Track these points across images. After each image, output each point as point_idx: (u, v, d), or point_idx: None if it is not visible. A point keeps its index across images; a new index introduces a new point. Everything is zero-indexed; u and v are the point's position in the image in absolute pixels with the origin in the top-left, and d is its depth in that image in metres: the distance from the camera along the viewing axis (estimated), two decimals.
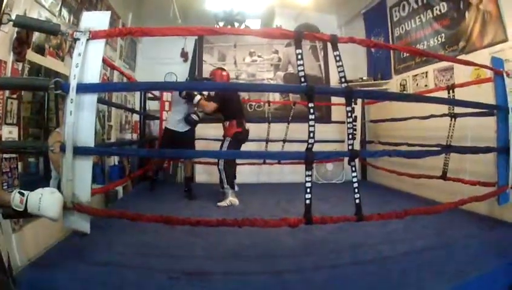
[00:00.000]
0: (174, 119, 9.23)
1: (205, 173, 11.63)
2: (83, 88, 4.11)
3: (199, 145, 10.79)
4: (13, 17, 4.03)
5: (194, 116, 9.07)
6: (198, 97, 8.76)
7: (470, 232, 6.17)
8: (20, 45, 5.21)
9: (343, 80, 4.77)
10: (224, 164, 8.74)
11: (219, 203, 8.55)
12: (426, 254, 5.24)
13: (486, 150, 6.26)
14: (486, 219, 6.84)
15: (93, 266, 4.93)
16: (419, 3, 9.63)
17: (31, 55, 5.67)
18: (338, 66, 4.75)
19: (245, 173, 9.75)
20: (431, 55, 7.99)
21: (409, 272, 4.63)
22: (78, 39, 4.18)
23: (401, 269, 4.72)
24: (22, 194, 3.15)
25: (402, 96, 8.24)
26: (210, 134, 10.50)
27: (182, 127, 9.19)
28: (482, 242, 5.74)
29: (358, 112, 11.22)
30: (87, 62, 4.18)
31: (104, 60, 4.66)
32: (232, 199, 8.64)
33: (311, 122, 4.51)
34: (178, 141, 8.95)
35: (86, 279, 4.53)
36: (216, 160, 8.93)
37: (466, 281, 4.38)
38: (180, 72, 11.03)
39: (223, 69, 9.61)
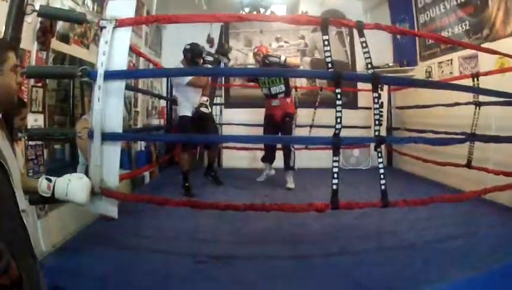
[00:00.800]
0: (187, 105, 8.47)
1: (232, 158, 11.65)
2: (110, 75, 4.14)
3: (225, 130, 11.03)
4: (37, 8, 4.04)
5: (204, 109, 8.47)
6: (283, 58, 8.73)
7: (492, 222, 6.16)
8: (44, 35, 5.24)
9: (369, 66, 4.75)
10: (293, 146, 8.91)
11: (289, 186, 8.81)
12: (449, 242, 5.24)
13: (510, 139, 6.22)
14: (508, 209, 6.80)
15: (120, 250, 5.03)
16: None
17: (56, 44, 5.71)
18: (364, 52, 4.73)
19: None
20: (455, 42, 7.92)
21: (432, 260, 4.63)
22: (105, 27, 4.21)
23: (425, 256, 4.74)
24: (49, 180, 3.13)
25: (427, 84, 8.19)
26: (238, 119, 10.45)
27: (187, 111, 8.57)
28: (504, 232, 5.72)
29: (384, 98, 10.96)
30: (114, 50, 4.21)
31: (130, 47, 4.65)
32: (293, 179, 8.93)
33: (339, 108, 4.50)
34: (200, 124, 8.37)
35: (112, 263, 4.61)
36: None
37: (488, 269, 4.37)
38: None
39: (265, 46, 9.85)
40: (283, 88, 8.89)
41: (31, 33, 4.95)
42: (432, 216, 6.17)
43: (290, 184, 8.81)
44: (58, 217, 5.18)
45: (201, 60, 8.17)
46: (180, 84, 8.32)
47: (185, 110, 8.44)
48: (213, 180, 9.17)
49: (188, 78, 8.07)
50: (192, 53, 8.17)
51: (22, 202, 2.43)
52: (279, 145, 9.24)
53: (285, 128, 8.83)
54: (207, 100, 8.51)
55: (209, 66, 8.13)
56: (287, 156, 8.85)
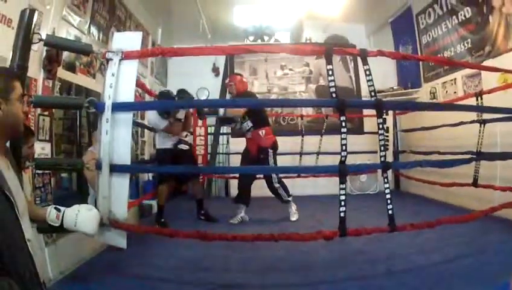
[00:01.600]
0: (166, 140, 8.12)
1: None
2: (118, 107, 4.16)
3: (232, 160, 11.32)
4: (43, 37, 4.06)
5: (184, 146, 8.17)
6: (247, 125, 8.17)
7: (501, 239, 6.18)
8: (50, 63, 5.28)
9: (373, 93, 4.78)
10: (278, 179, 8.20)
11: (292, 218, 8.29)
12: (459, 262, 5.24)
13: None
14: None
15: (128, 279, 5.04)
16: (444, 10, 9.60)
17: (62, 73, 5.75)
18: (368, 80, 4.76)
19: None
20: (457, 63, 8.00)
21: (442, 281, 4.64)
22: (111, 59, 4.23)
23: (435, 278, 4.74)
24: (58, 210, 3.14)
25: (430, 106, 8.19)
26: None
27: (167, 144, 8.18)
28: None
29: (390, 122, 11.19)
30: (121, 82, 4.23)
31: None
32: (296, 207, 8.44)
33: (344, 136, 4.52)
34: (179, 158, 8.03)
35: None
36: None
37: (499, 286, 4.37)
38: (212, 86, 10.93)
39: (240, 74, 9.08)
40: (250, 124, 8.30)
41: (37, 61, 4.99)
42: (440, 237, 6.20)
43: (292, 216, 8.33)
44: (67, 245, 5.19)
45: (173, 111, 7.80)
46: (157, 127, 8.05)
47: (164, 143, 8.13)
48: (206, 220, 8.42)
49: (163, 125, 7.82)
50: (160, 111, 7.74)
51: (28, 231, 2.45)
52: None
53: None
54: (186, 135, 8.29)
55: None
56: (276, 194, 8.28)
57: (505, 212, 6.52)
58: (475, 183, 7.68)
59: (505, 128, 7.16)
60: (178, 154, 8.06)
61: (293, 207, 8.41)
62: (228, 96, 9.41)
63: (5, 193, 2.23)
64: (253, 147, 8.31)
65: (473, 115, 7.68)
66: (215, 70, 13.13)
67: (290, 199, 8.33)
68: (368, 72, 4.76)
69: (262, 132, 8.25)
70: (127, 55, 4.26)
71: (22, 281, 2.18)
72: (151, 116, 8.10)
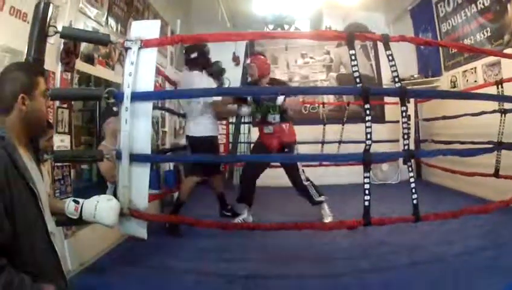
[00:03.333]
0: (212, 125, 7.17)
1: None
2: (137, 96, 4.13)
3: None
4: (59, 29, 4.02)
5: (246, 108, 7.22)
6: (281, 98, 6.94)
7: None
8: (68, 56, 5.24)
9: (396, 79, 4.68)
10: (307, 178, 7.25)
11: (325, 220, 6.97)
12: (481, 253, 5.20)
13: None
14: None
15: (149, 270, 5.05)
16: None
17: (80, 65, 5.71)
18: (391, 66, 4.63)
19: None
20: (478, 50, 7.86)
21: (464, 272, 4.61)
22: (130, 48, 4.19)
23: (457, 269, 4.72)
24: (77, 202, 3.14)
25: (454, 95, 8.08)
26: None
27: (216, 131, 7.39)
28: None
29: (411, 110, 10.75)
30: (140, 70, 4.18)
31: (156, 69, 4.58)
32: (328, 209, 7.24)
33: (368, 124, 4.47)
34: (215, 146, 7.36)
35: (141, 283, 4.64)
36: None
37: None
38: (232, 76, 10.80)
39: (264, 56, 7.85)
40: (278, 118, 7.22)
41: (55, 54, 4.96)
42: (461, 227, 6.15)
43: (326, 218, 7.06)
44: (87, 236, 5.19)
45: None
46: (205, 102, 6.92)
47: (213, 130, 7.20)
48: (233, 216, 7.44)
49: (214, 98, 6.84)
50: (216, 73, 7.19)
51: (50, 224, 2.44)
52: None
53: (287, 165, 7.29)
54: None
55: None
56: (306, 196, 7.25)
57: None
58: (496, 174, 7.62)
59: None
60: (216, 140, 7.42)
61: (326, 208, 7.27)
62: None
63: (29, 185, 2.22)
64: (274, 143, 7.27)
65: (494, 104, 7.58)
66: (236, 59, 13.07)
67: (322, 198, 7.26)
68: (390, 58, 4.66)
69: (286, 126, 7.33)
70: (145, 44, 4.22)
71: (42, 271, 2.16)
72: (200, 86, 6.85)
